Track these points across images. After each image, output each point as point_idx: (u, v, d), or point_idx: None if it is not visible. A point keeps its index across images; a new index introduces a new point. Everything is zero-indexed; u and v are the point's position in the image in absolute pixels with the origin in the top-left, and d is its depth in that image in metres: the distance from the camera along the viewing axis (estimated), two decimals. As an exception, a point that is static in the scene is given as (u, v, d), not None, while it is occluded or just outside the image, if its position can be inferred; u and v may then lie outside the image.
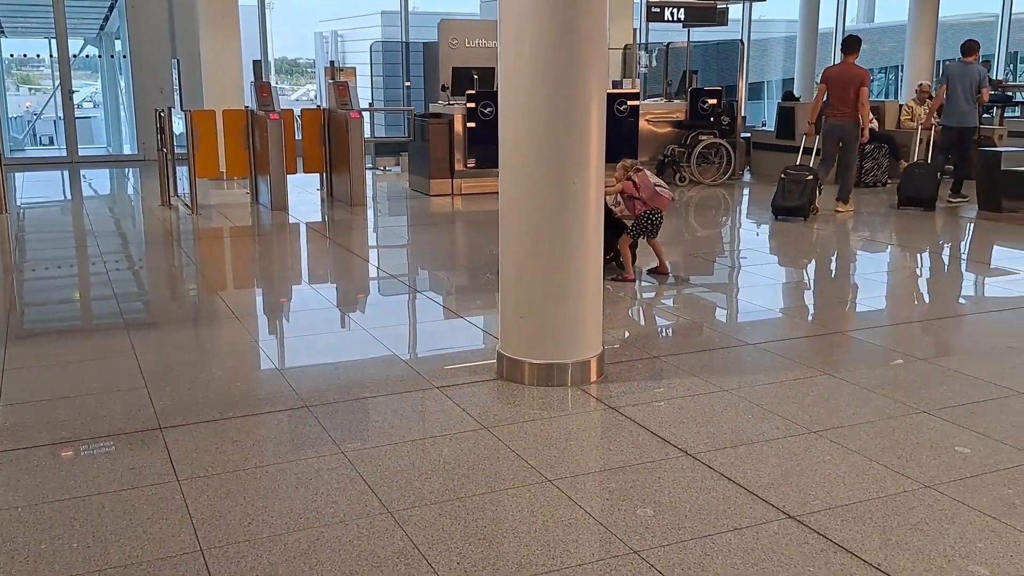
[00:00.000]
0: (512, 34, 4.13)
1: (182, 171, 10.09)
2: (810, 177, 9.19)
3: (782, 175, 9.43)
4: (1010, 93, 17.13)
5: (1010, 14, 20.46)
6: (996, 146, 11.04)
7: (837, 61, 10.72)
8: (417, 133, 10.91)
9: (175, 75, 12.87)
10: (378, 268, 7.56)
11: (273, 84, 11.25)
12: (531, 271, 4.28)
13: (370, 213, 9.83)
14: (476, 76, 9.99)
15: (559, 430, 3.84)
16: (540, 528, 3.01)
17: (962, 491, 3.21)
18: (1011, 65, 24.20)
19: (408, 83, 14.03)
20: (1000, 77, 18.67)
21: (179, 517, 3.03)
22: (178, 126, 10.34)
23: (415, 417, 3.97)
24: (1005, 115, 14.92)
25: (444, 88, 11.05)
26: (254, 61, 10.68)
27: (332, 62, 11.32)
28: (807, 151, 9.80)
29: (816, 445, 3.65)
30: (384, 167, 13.39)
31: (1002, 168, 9.63)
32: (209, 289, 6.63)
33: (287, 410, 4.02)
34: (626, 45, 12.99)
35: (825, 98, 9.54)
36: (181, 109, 11.09)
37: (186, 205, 9.80)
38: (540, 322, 4.29)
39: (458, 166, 10.52)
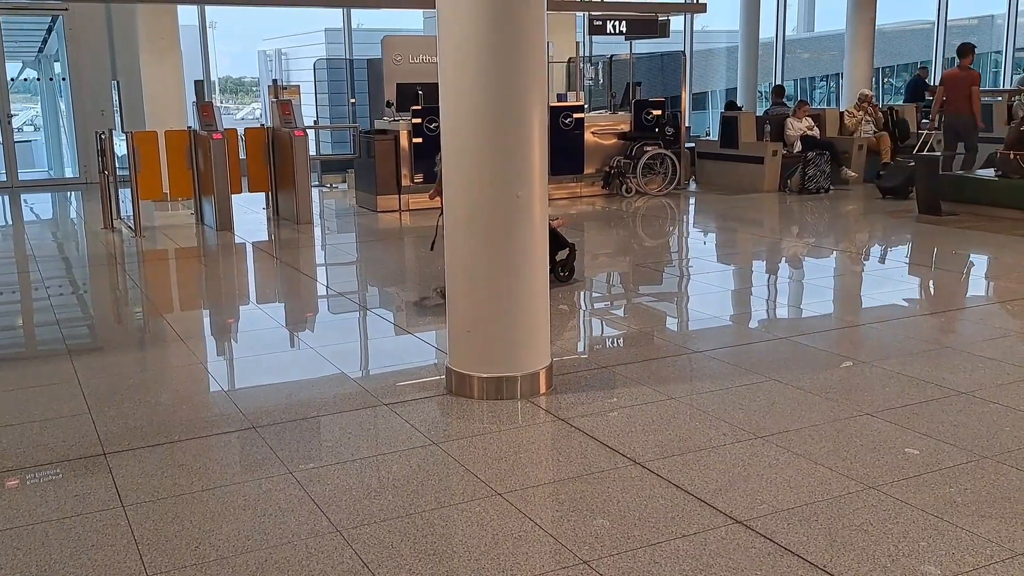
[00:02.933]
0: (451, 49, 4.15)
1: (125, 193, 9.92)
2: (911, 164, 10.48)
3: (890, 161, 11.76)
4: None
5: (946, 21, 21.09)
6: (935, 151, 11.34)
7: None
8: (363, 150, 10.88)
9: (115, 96, 12.66)
10: (325, 286, 7.50)
11: (217, 103, 11.14)
12: (477, 285, 4.29)
13: (317, 231, 9.77)
14: (420, 92, 10.00)
15: (509, 443, 3.85)
16: (490, 542, 3.01)
17: (905, 491, 3.28)
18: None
19: (353, 100, 14.00)
20: (936, 83, 19.17)
21: (124, 543, 2.98)
22: (120, 148, 10.17)
23: (364, 435, 3.94)
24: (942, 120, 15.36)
25: (389, 104, 11.04)
26: (196, 81, 10.56)
27: (275, 80, 11.24)
28: (924, 143, 11.93)
29: (762, 450, 3.70)
30: (331, 184, 13.31)
31: (940, 172, 9.91)
32: (154, 312, 6.53)
33: (234, 432, 3.97)
34: (570, 58, 13.11)
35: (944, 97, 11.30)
36: (122, 131, 10.91)
37: (129, 227, 9.64)
38: (488, 335, 4.30)
39: (405, 181, 10.51)
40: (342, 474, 3.52)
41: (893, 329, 5.59)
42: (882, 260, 8.28)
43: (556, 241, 6.34)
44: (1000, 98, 15.26)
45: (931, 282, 7.34)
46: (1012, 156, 9.32)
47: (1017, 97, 13.76)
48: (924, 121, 13.34)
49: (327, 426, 4.05)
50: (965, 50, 11.34)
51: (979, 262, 8.00)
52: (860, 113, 12.83)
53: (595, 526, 3.08)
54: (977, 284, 7.21)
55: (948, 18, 21.19)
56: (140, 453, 3.73)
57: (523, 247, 4.24)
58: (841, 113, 13.17)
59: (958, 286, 7.03)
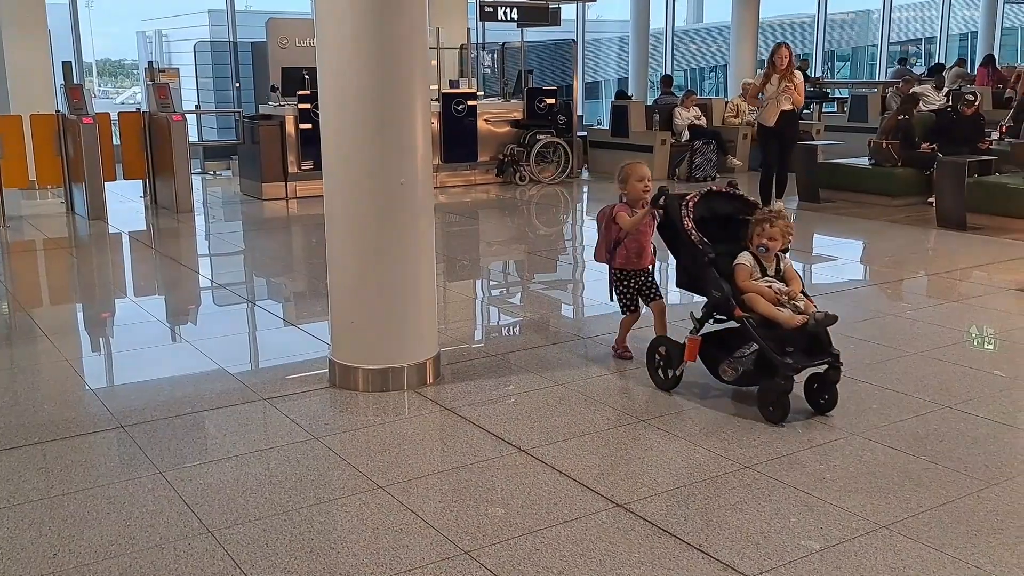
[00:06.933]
0: (329, 30, 4.03)
1: (-12, 181, 9.31)
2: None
3: None
4: (827, 90, 18.32)
5: (825, 15, 21.89)
6: (814, 140, 11.75)
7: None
8: (247, 136, 10.53)
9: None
10: (206, 277, 7.22)
11: (96, 87, 10.58)
12: (361, 275, 4.18)
13: (198, 220, 9.41)
14: (307, 76, 9.72)
15: (393, 435, 3.77)
16: (370, 536, 2.93)
17: (778, 469, 3.36)
18: (828, 63, 25.91)
19: (237, 84, 13.53)
20: (817, 75, 19.90)
21: (-29, 557, 2.78)
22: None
23: (241, 431, 3.80)
24: (823, 111, 15.97)
25: (274, 89, 10.72)
26: (64, 62, 10.00)
27: (151, 62, 10.75)
28: None
29: (644, 434, 3.74)
30: (214, 172, 12.85)
31: (819, 161, 10.27)
32: (19, 307, 6.15)
33: (99, 432, 3.76)
34: (462, 45, 13.02)
35: None
36: (-17, 114, 10.24)
37: (-6, 217, 9.06)
38: (372, 326, 4.20)
39: (292, 168, 10.22)
40: (216, 473, 3.38)
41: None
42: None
43: (822, 344, 3.88)
44: (875, 90, 15.97)
45: (810, 267, 7.60)
46: (884, 145, 9.74)
47: (890, 89, 14.38)
48: (805, 112, 13.79)
49: (202, 424, 3.88)
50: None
51: (854, 247, 8.32)
52: (743, 104, 13.17)
53: (478, 515, 3.04)
54: (853, 269, 7.49)
55: (828, 12, 22.01)
56: (-4, 457, 3.50)
57: (407, 235, 4.16)
58: (726, 103, 13.49)
59: (834, 270, 7.29)
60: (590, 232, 9.74)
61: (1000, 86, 15.73)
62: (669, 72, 17.92)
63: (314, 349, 4.82)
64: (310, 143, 9.87)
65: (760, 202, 4.32)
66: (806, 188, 9.95)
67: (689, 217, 4.03)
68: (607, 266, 4.60)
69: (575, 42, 14.40)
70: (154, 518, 3.02)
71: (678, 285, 4.36)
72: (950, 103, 11.47)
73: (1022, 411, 4.06)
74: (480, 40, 14.07)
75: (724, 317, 4.00)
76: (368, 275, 4.16)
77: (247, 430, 3.82)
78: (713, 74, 29.34)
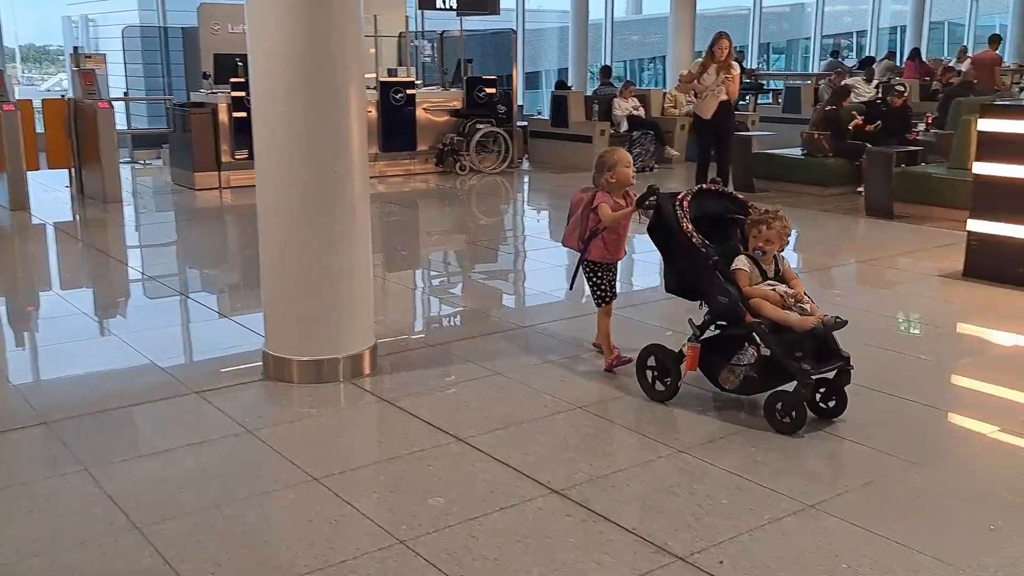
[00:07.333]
0: (260, 17, 3.95)
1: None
2: None
3: None
4: (762, 82, 18.63)
5: (761, 8, 22.24)
6: (749, 131, 11.93)
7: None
8: (178, 124, 10.28)
9: None
10: (136, 269, 7.03)
11: (20, 73, 10.23)
12: (294, 265, 4.12)
13: (127, 210, 9.17)
14: (240, 63, 9.52)
15: (328, 427, 3.73)
16: (305, 528, 2.90)
17: (711, 453, 3.41)
18: (764, 56, 26.35)
19: (169, 71, 13.20)
20: (753, 67, 20.22)
21: None
22: None
23: (171, 426, 3.71)
24: (758, 102, 16.24)
25: (206, 76, 10.49)
26: (-17, 47, 9.65)
27: (76, 48, 10.42)
28: None
29: (582, 420, 3.76)
30: (144, 160, 12.53)
31: (754, 151, 10.43)
32: (-62, 301, 5.92)
33: (21, 428, 3.65)
34: (400, 33, 12.91)
35: None
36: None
37: (-91, 208, 8.72)
38: (307, 318, 4.14)
39: (225, 158, 10.00)
40: (144, 468, 3.30)
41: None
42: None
43: (831, 348, 3.71)
44: (809, 82, 16.28)
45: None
46: (816, 136, 9.94)
47: (823, 81, 14.67)
48: (741, 103, 14.00)
49: (130, 419, 3.79)
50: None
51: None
52: (680, 95, 13.31)
53: (414, 505, 3.02)
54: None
55: (764, 5, 22.37)
56: (-89, 456, 3.36)
57: (342, 224, 4.10)
58: (664, 94, 13.62)
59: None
60: (531, 222, 9.84)
61: (927, 79, 16.18)
62: (608, 63, 18.03)
63: (248, 341, 4.73)
64: (244, 132, 9.66)
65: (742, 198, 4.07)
66: (741, 178, 10.09)
67: (687, 218, 3.75)
68: (577, 254, 4.37)
69: (515, 32, 14.37)
70: (79, 515, 2.94)
71: (668, 290, 4.07)
72: (880, 95, 11.75)
73: (946, 393, 4.19)
74: (419, 28, 13.96)
75: (725, 323, 3.75)
76: (301, 266, 4.10)
77: (178, 424, 3.74)
78: (652, 65, 29.58)
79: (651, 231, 3.95)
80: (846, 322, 3.67)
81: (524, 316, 5.64)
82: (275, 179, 4.08)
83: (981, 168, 6.04)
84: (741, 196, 4.06)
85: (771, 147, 11.02)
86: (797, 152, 10.28)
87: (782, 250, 3.90)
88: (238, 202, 9.49)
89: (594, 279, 4.36)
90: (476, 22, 13.76)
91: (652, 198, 3.92)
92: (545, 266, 7.15)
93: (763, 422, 3.62)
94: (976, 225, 6.04)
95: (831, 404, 3.69)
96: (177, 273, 7.00)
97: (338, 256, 4.12)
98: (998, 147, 5.91)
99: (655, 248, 4.00)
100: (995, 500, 3.06)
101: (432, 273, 7.12)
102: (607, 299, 4.36)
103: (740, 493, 3.09)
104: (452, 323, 5.58)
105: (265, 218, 4.15)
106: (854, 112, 10.25)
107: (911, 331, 5.33)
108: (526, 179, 11.94)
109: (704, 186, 4.01)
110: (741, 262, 3.76)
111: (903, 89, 10.32)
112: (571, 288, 4.46)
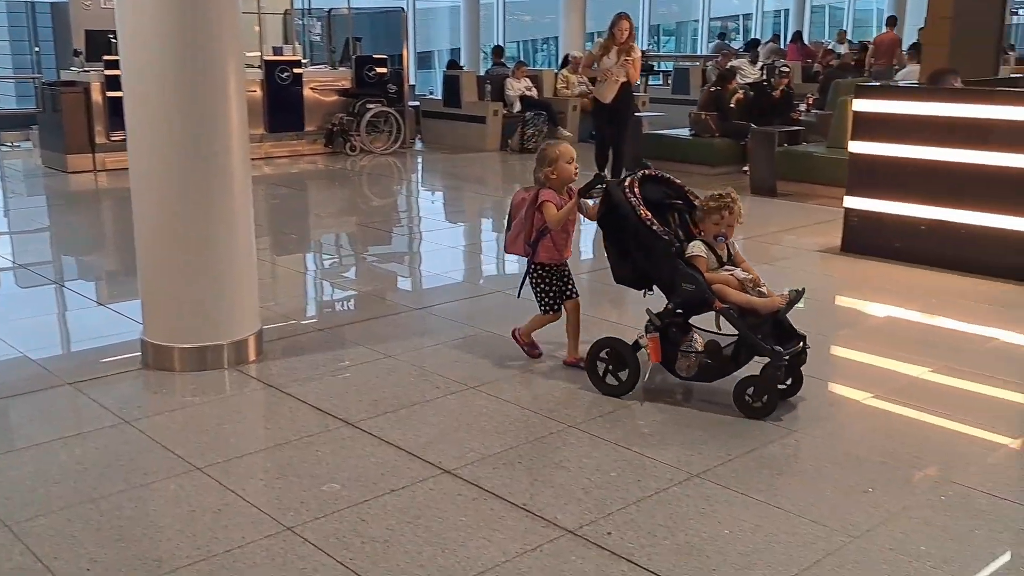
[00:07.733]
0: (128, -12, 3.76)
1: None
2: None
3: None
4: (653, 64, 18.94)
5: (652, -11, 22.59)
6: (640, 112, 12.12)
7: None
8: (47, 104, 9.74)
9: None
10: (5, 258, 6.64)
11: None
12: (172, 250, 3.97)
13: (-6, 195, 8.68)
14: (113, 40, 9.07)
15: (211, 415, 3.62)
16: (186, 519, 2.81)
17: (597, 427, 3.46)
18: (654, 37, 26.80)
19: (37, 48, 12.51)
20: (644, 48, 20.53)
21: None
22: None
23: (43, 419, 3.54)
24: (649, 83, 16.51)
25: (77, 53, 9.97)
26: None
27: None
28: None
29: (474, 400, 3.75)
30: (12, 143, 11.86)
31: (644, 132, 10.62)
32: None
33: None
34: (286, 10, 12.56)
35: None
36: None
37: None
38: (187, 303, 4.00)
39: (100, 139, 9.53)
40: (14, 463, 3.14)
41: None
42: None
43: (787, 328, 3.76)
44: (697, 63, 16.65)
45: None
46: (703, 116, 10.18)
47: (710, 63, 15.02)
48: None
49: (-2, 412, 3.59)
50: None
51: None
52: (572, 76, 13.40)
53: (301, 491, 2.96)
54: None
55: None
56: None
57: (220, 206, 3.97)
58: (556, 75, 13.69)
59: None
60: (425, 203, 9.76)
61: (808, 61, 16.76)
62: (501, 43, 18.01)
63: (126, 330, 4.54)
64: (120, 112, 9.21)
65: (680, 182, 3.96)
66: (632, 159, 10.25)
67: (641, 205, 3.59)
68: (524, 259, 4.11)
69: (404, 11, 14.18)
70: (-60, 517, 2.77)
71: (619, 281, 3.92)
72: (764, 77, 12.11)
73: (826, 363, 4.35)
74: (307, 6, 13.61)
75: (685, 312, 3.66)
76: (179, 251, 3.95)
77: (51, 417, 3.56)
78: (546, 46, 29.70)
79: (601, 221, 3.80)
80: (803, 290, 3.68)
81: (418, 298, 5.60)
82: (148, 160, 3.92)
83: (856, 147, 6.30)
84: (678, 181, 3.95)
85: (661, 128, 11.24)
86: (686, 132, 10.52)
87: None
88: (114, 185, 9.07)
89: (542, 285, 4.07)
90: (365, 1, 13.52)
91: (600, 186, 3.78)
92: (440, 248, 7.11)
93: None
94: (852, 202, 6.30)
95: (788, 383, 3.69)
96: (50, 260, 6.67)
97: (217, 239, 3.98)
98: (871, 127, 6.17)
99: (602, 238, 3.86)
100: (869, 465, 3.20)
101: (323, 256, 6.99)
102: (555, 307, 4.07)
103: (628, 465, 3.15)
104: (344, 307, 5.49)
105: (139, 200, 3.98)
106: (739, 91, 10.52)
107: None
108: (419, 160, 11.85)
109: (646, 172, 3.87)
110: (699, 248, 3.65)
111: (788, 69, 10.66)
112: (519, 296, 4.17)
